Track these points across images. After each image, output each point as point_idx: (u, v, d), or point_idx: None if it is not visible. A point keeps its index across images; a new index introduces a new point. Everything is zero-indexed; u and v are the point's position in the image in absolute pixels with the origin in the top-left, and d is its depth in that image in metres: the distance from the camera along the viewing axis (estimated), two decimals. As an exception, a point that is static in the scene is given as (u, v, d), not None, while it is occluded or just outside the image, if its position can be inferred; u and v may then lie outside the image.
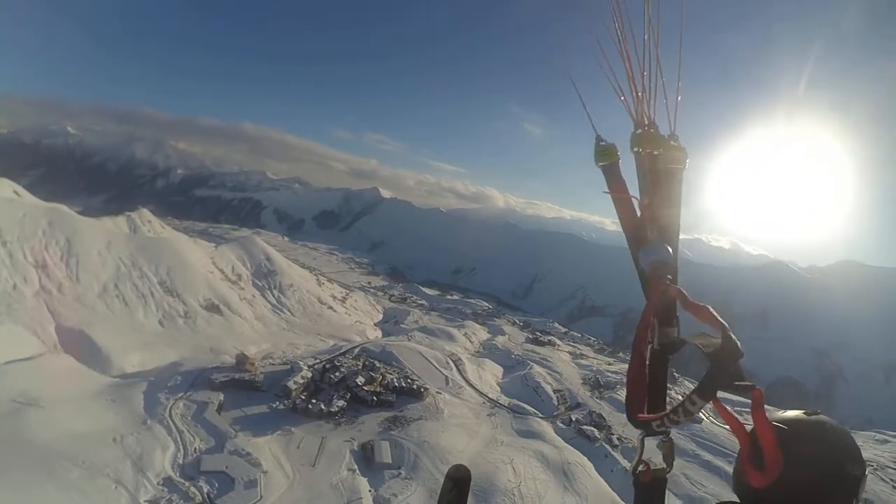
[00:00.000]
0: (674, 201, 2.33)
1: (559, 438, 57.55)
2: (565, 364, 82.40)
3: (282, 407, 51.74)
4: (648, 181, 2.31)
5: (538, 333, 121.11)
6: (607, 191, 2.40)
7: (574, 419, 63.58)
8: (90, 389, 51.21)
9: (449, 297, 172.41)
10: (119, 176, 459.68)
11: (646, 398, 2.21)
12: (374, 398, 54.82)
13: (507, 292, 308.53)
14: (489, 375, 76.34)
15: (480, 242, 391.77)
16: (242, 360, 58.53)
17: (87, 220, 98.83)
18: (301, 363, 60.77)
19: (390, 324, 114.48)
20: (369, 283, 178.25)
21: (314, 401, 52.04)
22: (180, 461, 40.83)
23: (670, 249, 2.22)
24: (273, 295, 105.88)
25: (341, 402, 52.47)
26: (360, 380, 57.41)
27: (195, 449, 42.64)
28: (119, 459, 39.29)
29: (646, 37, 2.29)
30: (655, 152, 2.29)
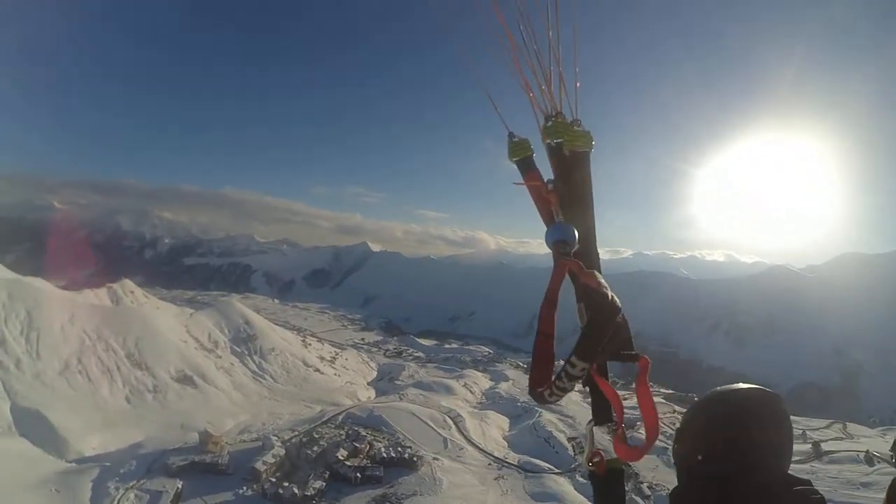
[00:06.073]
0: (586, 183, 2.33)
1: (581, 497, 49.97)
2: (577, 406, 73.99)
3: (250, 492, 44.11)
4: (562, 168, 2.35)
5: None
6: (519, 181, 2.40)
7: (594, 472, 55.36)
8: (36, 478, 45.35)
9: (447, 345, 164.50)
10: (106, 248, 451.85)
11: (551, 377, 1.94)
12: (359, 475, 46.81)
13: (507, 334, 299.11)
14: (494, 429, 68.22)
15: (475, 286, 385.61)
16: (205, 439, 50.75)
17: (53, 291, 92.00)
18: (274, 438, 52.88)
19: (385, 381, 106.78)
20: (362, 339, 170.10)
21: (286, 483, 44.10)
22: (114, 579, 32.87)
23: (574, 230, 2.15)
24: (253, 361, 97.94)
25: (319, 483, 44.49)
26: (343, 453, 49.44)
27: (136, 560, 34.70)
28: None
29: (550, 33, 2.35)
30: (567, 138, 2.33)
